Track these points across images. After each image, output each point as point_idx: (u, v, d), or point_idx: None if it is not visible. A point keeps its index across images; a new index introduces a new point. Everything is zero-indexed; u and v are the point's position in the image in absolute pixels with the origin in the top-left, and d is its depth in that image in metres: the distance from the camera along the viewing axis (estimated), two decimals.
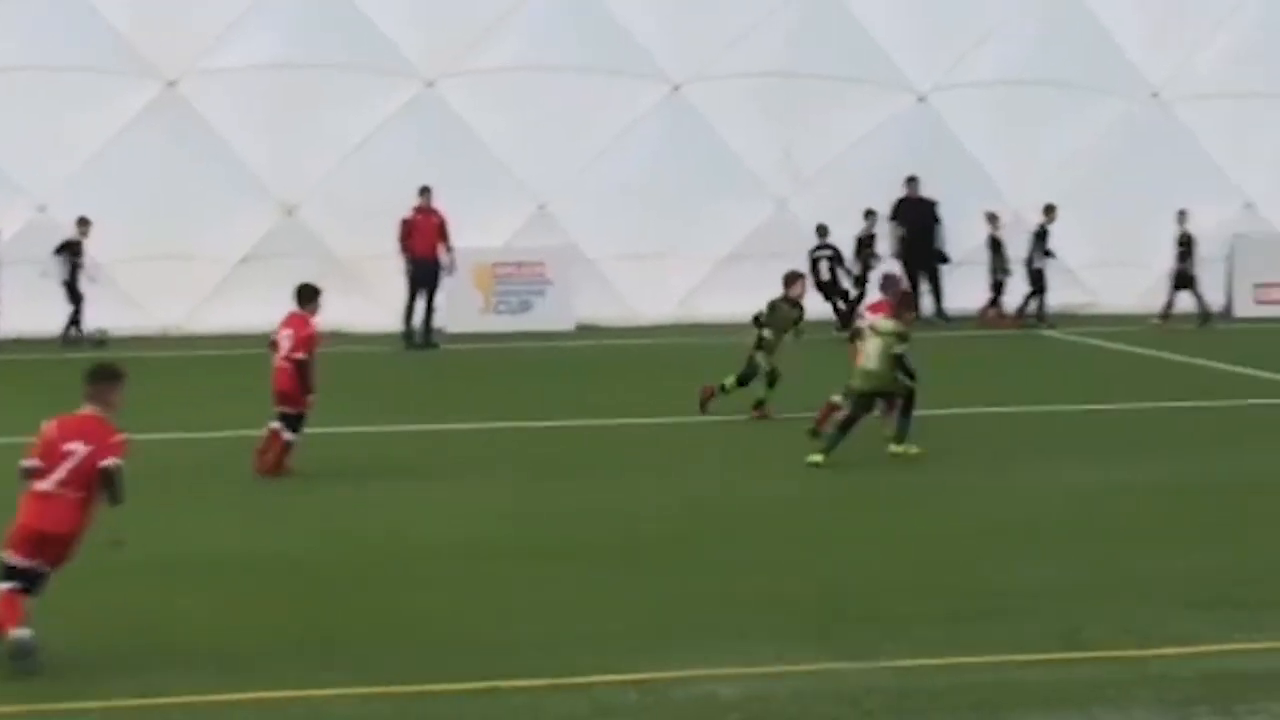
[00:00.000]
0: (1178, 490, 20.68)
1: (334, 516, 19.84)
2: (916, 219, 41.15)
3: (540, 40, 40.20)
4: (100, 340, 36.19)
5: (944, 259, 41.06)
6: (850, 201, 40.24)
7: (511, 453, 24.14)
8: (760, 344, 26.68)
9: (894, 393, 23.45)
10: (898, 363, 23.23)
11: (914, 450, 23.24)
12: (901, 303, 24.42)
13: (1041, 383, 28.31)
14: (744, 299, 39.75)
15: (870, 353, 23.29)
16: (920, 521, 19.20)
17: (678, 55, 40.42)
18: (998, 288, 41.01)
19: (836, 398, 24.01)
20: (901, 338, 23.26)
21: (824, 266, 39.23)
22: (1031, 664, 13.41)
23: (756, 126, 41.09)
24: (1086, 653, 13.64)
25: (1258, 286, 42.13)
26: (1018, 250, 40.36)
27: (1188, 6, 42.38)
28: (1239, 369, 30.82)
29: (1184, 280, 39.86)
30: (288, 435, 22.09)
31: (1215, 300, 40.91)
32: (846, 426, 22.96)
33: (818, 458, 22.57)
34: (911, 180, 41.20)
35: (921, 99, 41.81)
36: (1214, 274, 41.70)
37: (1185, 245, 39.99)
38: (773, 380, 26.53)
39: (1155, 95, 42.66)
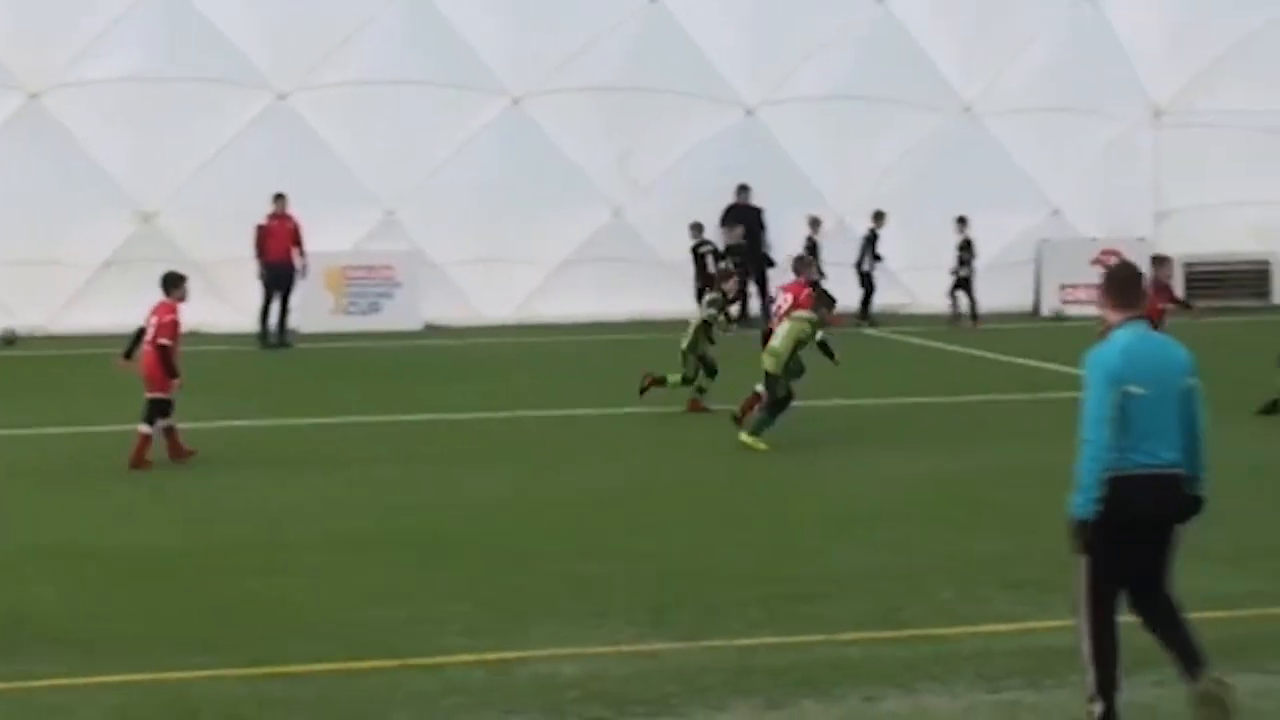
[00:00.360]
0: (983, 477, 20.88)
1: (196, 506, 19.71)
2: (745, 225, 41.33)
3: (387, 55, 40.15)
4: (9, 339, 35.96)
5: (770, 263, 41.26)
6: (684, 209, 40.38)
7: (365, 446, 24.03)
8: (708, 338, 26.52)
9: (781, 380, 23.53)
10: (821, 347, 23.77)
11: (762, 446, 23.25)
12: (821, 300, 24.47)
13: (859, 378, 28.44)
14: (581, 301, 40.33)
15: (779, 333, 23.52)
16: (752, 509, 19.27)
17: (518, 70, 40.46)
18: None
19: (759, 388, 24.04)
20: (815, 325, 23.59)
21: (709, 260, 39.11)
22: (858, 642, 13.46)
23: (593, 138, 41.23)
24: (908, 631, 13.74)
25: (1063, 287, 42.72)
26: (847, 254, 40.67)
27: (997, 26, 42.79)
28: (1048, 365, 31.14)
29: (961, 283, 40.46)
30: (144, 428, 21.91)
31: (1024, 301, 41.45)
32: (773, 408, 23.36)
33: (749, 439, 23.01)
34: (742, 188, 41.38)
35: (750, 112, 42.05)
36: (1024, 276, 42.32)
37: (965, 250, 40.55)
38: (710, 372, 26.46)
39: (967, 109, 43.10)
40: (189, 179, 38.98)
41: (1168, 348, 11.26)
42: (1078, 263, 42.61)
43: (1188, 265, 43.86)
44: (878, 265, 40.95)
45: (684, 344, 26.51)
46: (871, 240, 40.75)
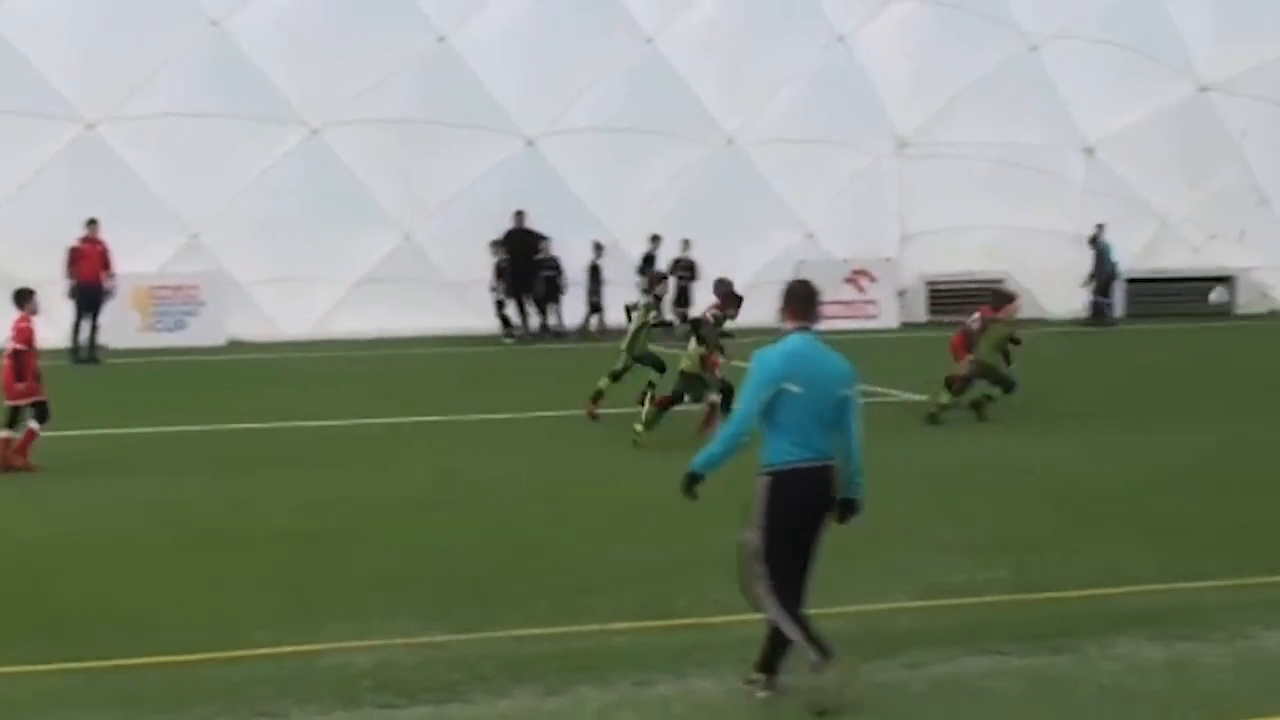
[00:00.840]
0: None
1: (9, 514, 19.35)
2: (521, 247, 41.41)
3: (191, 89, 39.89)
4: None
5: (532, 282, 41.59)
6: (469, 233, 40.51)
7: (173, 453, 23.72)
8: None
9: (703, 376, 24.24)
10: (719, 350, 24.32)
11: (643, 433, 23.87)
12: (728, 299, 24.81)
13: (627, 388, 28.54)
14: (374, 318, 40.21)
15: (631, 327, 24.56)
16: (541, 509, 19.22)
17: (315, 102, 40.28)
18: (594, 308, 41.56)
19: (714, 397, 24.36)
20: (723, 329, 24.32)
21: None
22: (630, 631, 13.51)
23: (385, 166, 41.10)
24: (677, 620, 13.81)
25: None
26: (623, 274, 40.93)
27: (756, 64, 43.15)
28: None
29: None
30: (3, 433, 21.78)
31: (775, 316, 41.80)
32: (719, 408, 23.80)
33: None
34: (518, 214, 41.48)
35: (530, 143, 42.10)
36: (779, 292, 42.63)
37: (688, 269, 41.13)
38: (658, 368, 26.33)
39: (730, 141, 43.45)
40: (3, 204, 38.47)
41: (831, 359, 11.77)
42: (831, 281, 42.98)
43: (930, 283, 44.80)
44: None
45: (623, 343, 26.51)
46: (649, 261, 41.02)
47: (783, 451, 11.51)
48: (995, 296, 28.06)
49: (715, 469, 11.72)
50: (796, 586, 11.65)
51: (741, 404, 11.71)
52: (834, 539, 16.68)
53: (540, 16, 41.91)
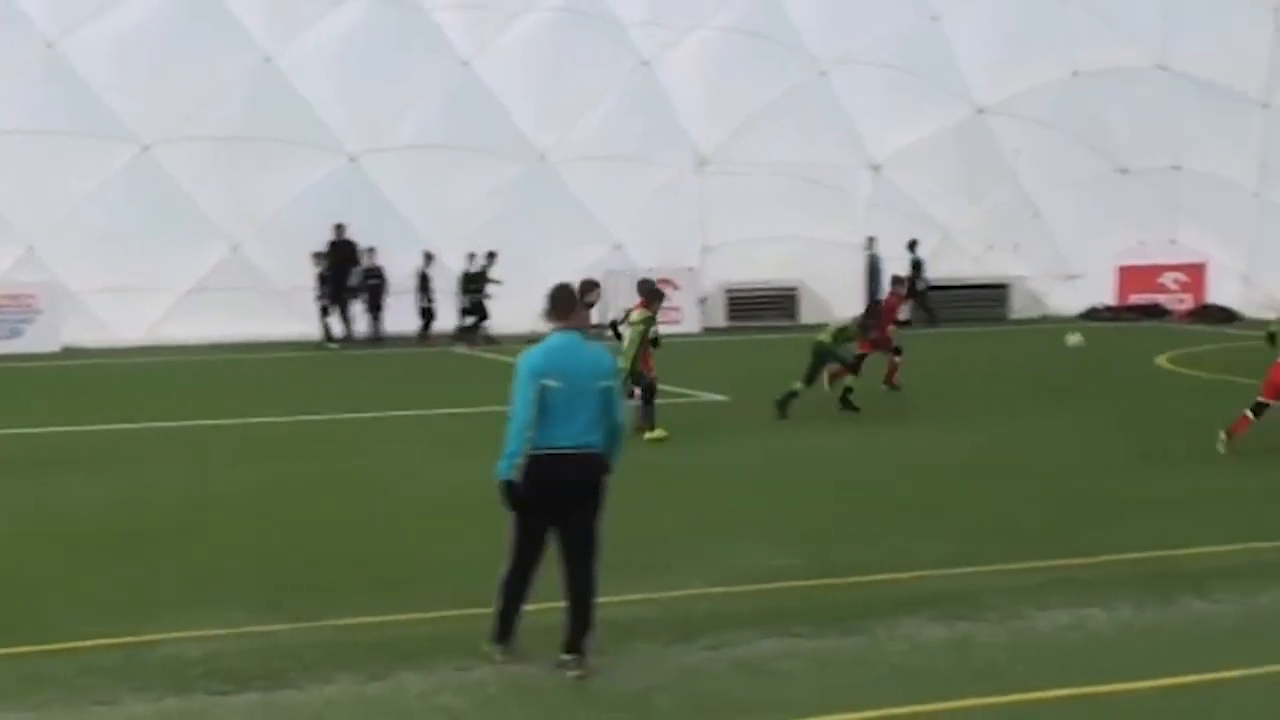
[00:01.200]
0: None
1: None
2: (342, 258, 41.21)
3: (28, 107, 39.46)
4: None
5: (353, 291, 41.44)
6: (296, 245, 40.23)
7: (13, 453, 23.28)
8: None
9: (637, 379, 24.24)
10: (651, 344, 24.72)
11: (661, 434, 23.83)
12: (652, 296, 25.19)
13: (449, 390, 28.53)
14: (204, 325, 39.78)
15: (628, 338, 24.48)
16: (368, 505, 19.08)
17: (147, 120, 39.87)
18: (425, 314, 41.36)
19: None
20: (649, 322, 24.56)
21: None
22: (450, 619, 13.45)
23: (214, 181, 40.71)
24: (481, 609, 13.70)
25: (625, 309, 43.26)
26: (444, 284, 40.89)
27: (567, 85, 43.21)
28: None
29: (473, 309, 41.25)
30: None
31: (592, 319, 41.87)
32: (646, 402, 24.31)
33: (652, 435, 23.78)
34: (338, 227, 41.28)
35: (353, 159, 41.84)
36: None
37: (476, 280, 41.18)
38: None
39: (542, 158, 43.43)
40: None
41: (588, 353, 12.15)
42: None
43: (729, 291, 45.08)
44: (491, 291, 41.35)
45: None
46: (482, 274, 41.09)
47: (543, 438, 11.83)
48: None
49: (518, 469, 11.86)
50: (532, 562, 12.11)
51: (515, 403, 11.93)
52: (642, 531, 16.82)
53: (362, 39, 41.75)
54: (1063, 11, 46.22)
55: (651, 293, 25.30)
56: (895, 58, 45.61)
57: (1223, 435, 22.77)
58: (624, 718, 11.01)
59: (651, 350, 25.01)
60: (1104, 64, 46.57)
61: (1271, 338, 24.41)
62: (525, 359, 12.00)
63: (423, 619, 13.57)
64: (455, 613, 13.62)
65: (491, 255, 41.34)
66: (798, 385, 26.48)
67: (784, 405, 26.30)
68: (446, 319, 41.53)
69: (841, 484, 20.59)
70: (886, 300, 31.84)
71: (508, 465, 11.83)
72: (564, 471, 11.84)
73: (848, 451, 23.31)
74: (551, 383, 11.81)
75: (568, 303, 12.35)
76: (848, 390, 26.93)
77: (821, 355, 26.69)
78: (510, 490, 11.87)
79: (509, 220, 42.06)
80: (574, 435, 11.84)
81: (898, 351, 29.75)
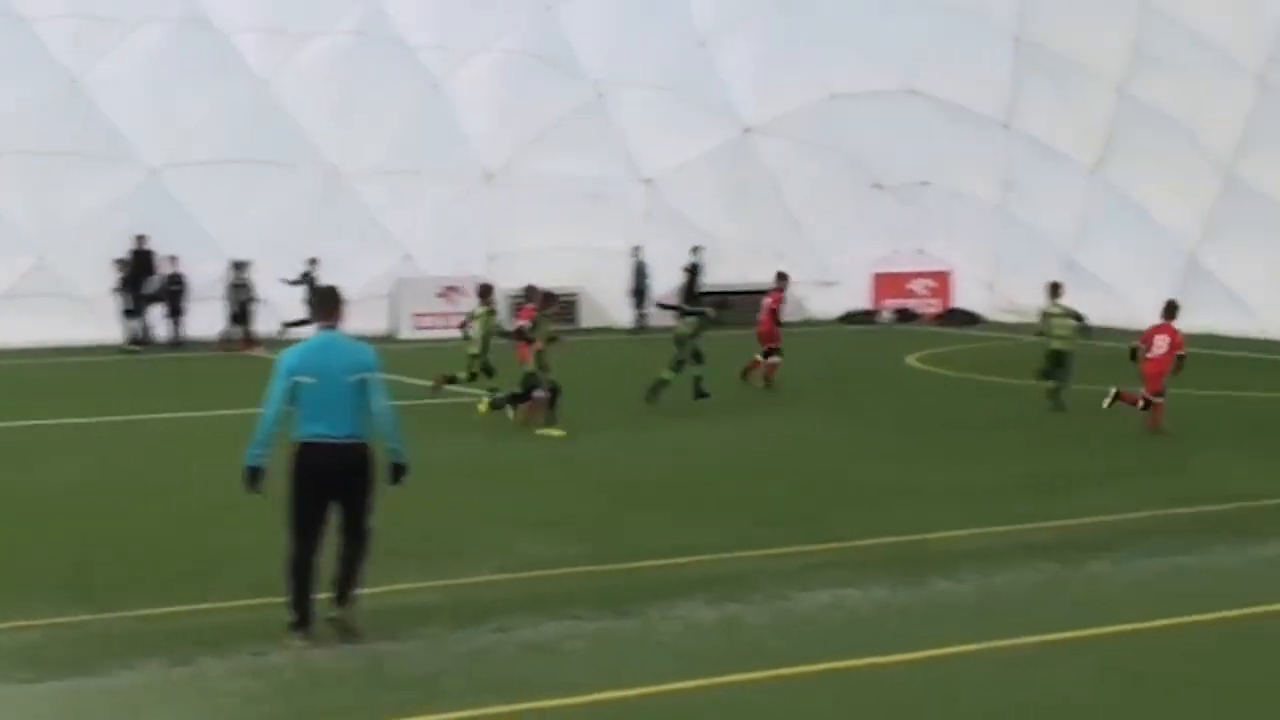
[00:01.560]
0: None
1: None
2: (141, 266, 40.62)
3: None
4: None
5: (152, 298, 40.87)
6: (102, 254, 39.59)
7: None
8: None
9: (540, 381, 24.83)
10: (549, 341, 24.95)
11: (557, 432, 24.05)
12: (545, 302, 25.64)
13: (247, 391, 28.07)
14: (13, 331, 38.89)
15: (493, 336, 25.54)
16: (166, 501, 18.82)
17: None
18: (236, 318, 40.62)
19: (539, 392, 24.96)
20: (548, 319, 25.10)
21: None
22: (244, 608, 13.30)
23: (24, 194, 40.00)
24: (275, 598, 13.52)
25: (415, 315, 43.28)
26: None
27: (361, 103, 42.90)
28: (402, 378, 31.37)
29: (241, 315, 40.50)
30: None
31: (384, 327, 41.63)
32: (551, 402, 24.91)
33: (555, 432, 24.15)
34: (139, 237, 40.69)
35: (154, 173, 41.21)
36: (383, 308, 42.56)
37: (243, 289, 40.46)
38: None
39: (336, 172, 43.06)
40: None
41: (348, 351, 12.35)
42: (427, 296, 43.35)
43: (513, 297, 44.96)
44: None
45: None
46: (309, 280, 40.41)
47: (304, 429, 12.14)
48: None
49: (265, 457, 12.21)
50: (312, 545, 12.23)
51: (268, 400, 12.20)
52: (433, 523, 16.77)
53: (165, 59, 41.06)
54: (821, 39, 46.81)
55: (546, 296, 26.05)
56: (668, 81, 45.99)
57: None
58: (414, 697, 10.97)
59: (539, 348, 25.23)
60: (859, 88, 47.30)
61: (1133, 352, 25.30)
62: (282, 357, 12.27)
63: (222, 608, 13.42)
64: (252, 601, 13.48)
65: (313, 261, 40.75)
66: (667, 374, 27.59)
67: (654, 393, 27.43)
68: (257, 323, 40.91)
69: (620, 477, 20.69)
70: (767, 299, 31.96)
71: (252, 454, 12.16)
72: (327, 459, 12.11)
73: (627, 446, 23.41)
74: (305, 379, 12.07)
75: (329, 303, 12.64)
76: (680, 379, 27.77)
77: (681, 343, 27.80)
78: (253, 476, 12.18)
79: (305, 230, 41.57)
80: (333, 425, 12.07)
81: (778, 353, 30.66)
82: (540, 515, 17.84)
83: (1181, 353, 24.61)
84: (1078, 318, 27.43)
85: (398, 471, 12.56)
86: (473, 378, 27.59)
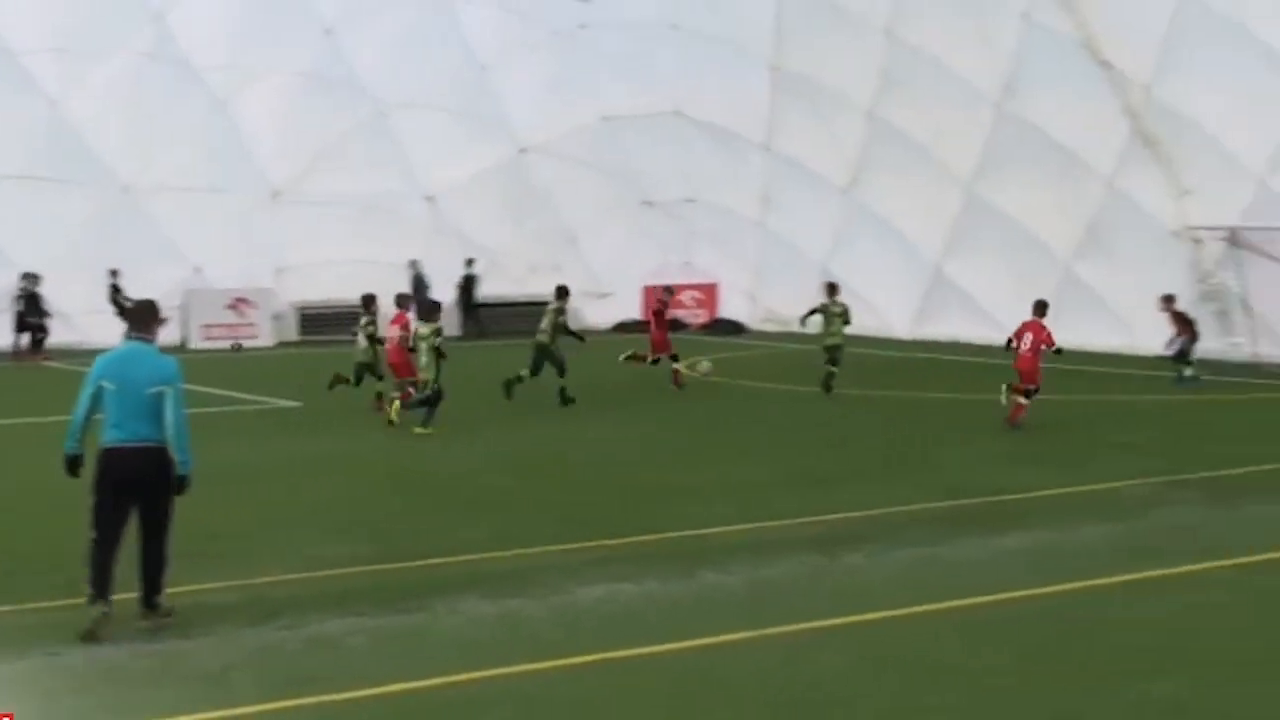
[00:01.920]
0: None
1: None
2: None
3: None
4: None
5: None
6: None
7: None
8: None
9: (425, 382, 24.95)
10: (437, 352, 24.87)
11: (430, 430, 24.30)
12: (432, 311, 25.65)
13: (46, 400, 27.43)
14: None
15: (421, 349, 24.89)
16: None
17: None
18: (35, 330, 39.52)
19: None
20: (437, 333, 24.94)
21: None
22: (41, 609, 12.93)
23: None
24: (75, 599, 13.17)
25: (204, 326, 42.57)
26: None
27: (151, 122, 41.96)
28: (197, 387, 30.75)
29: (24, 325, 39.56)
30: None
31: (174, 338, 40.86)
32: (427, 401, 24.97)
33: (422, 429, 24.45)
34: None
35: None
36: (172, 319, 41.77)
37: (30, 298, 39.51)
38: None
39: (126, 189, 42.13)
40: None
41: (148, 362, 12.43)
42: (216, 308, 42.70)
43: (301, 308, 44.56)
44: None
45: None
46: (33, 298, 39.35)
47: (108, 434, 12.24)
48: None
49: (78, 447, 12.48)
50: (114, 538, 12.21)
51: (78, 400, 12.40)
52: (224, 525, 16.45)
53: None
54: (594, 63, 47.01)
55: (433, 308, 26.06)
56: (449, 101, 45.80)
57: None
58: (205, 692, 10.74)
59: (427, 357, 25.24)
60: (630, 110, 47.62)
61: (1008, 343, 26.39)
62: (96, 362, 12.49)
63: (20, 610, 13.06)
64: (50, 604, 13.13)
65: (114, 272, 39.78)
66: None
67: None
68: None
69: (406, 480, 20.52)
70: (655, 307, 33.60)
71: (68, 445, 12.45)
72: (123, 462, 12.16)
73: (412, 450, 23.24)
74: (107, 384, 12.25)
75: (142, 316, 12.87)
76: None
77: (542, 350, 28.63)
78: (70, 463, 12.52)
79: (97, 245, 40.63)
80: (130, 431, 12.15)
81: (674, 358, 32.17)
82: (326, 516, 17.65)
83: (1055, 348, 25.56)
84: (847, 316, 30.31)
85: (180, 482, 12.43)
86: (359, 381, 27.72)
